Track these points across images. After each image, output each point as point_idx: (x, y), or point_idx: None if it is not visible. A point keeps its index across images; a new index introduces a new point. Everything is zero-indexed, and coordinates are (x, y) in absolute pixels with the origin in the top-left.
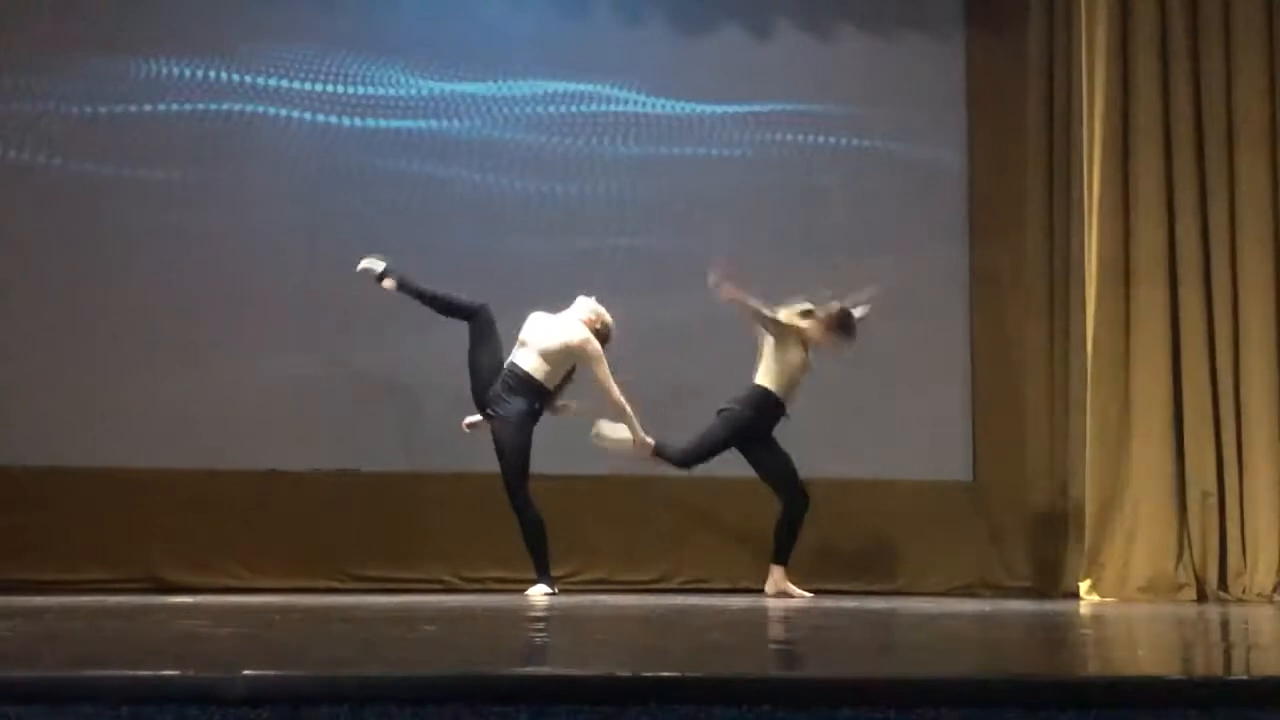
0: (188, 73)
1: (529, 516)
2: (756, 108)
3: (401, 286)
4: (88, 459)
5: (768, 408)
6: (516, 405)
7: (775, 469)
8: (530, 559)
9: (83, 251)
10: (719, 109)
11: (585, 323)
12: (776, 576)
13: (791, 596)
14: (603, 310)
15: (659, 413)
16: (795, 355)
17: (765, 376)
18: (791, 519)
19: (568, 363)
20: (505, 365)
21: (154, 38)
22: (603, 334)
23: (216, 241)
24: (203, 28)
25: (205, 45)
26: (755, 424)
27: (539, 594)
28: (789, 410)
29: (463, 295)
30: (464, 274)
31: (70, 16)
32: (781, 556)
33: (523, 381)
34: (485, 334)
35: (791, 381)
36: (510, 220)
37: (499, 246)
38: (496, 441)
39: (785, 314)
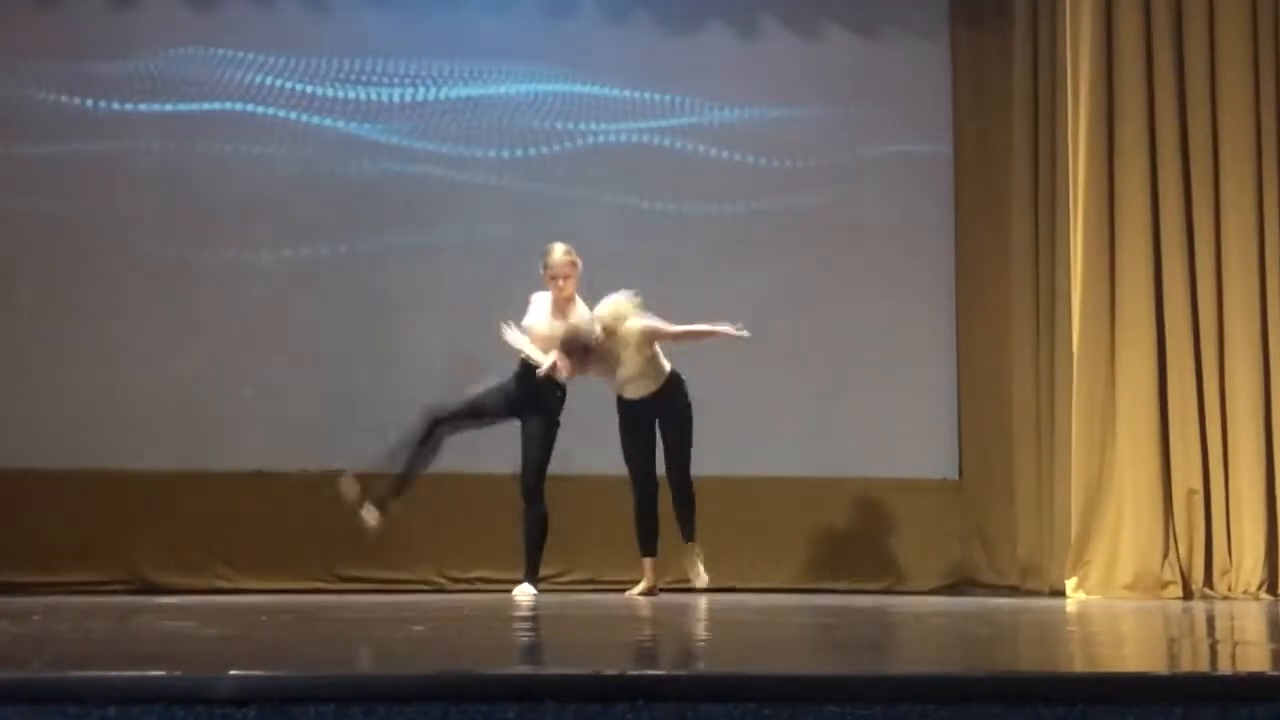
0: (172, 72)
1: (544, 512)
2: (742, 105)
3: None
4: (74, 461)
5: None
6: (554, 398)
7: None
8: (525, 557)
9: (68, 252)
10: (704, 106)
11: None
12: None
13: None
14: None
15: None
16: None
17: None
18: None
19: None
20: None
21: (139, 38)
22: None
23: (203, 241)
24: (189, 28)
25: (193, 47)
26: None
27: (526, 594)
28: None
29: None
30: (446, 271)
31: (50, 19)
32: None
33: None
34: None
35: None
36: (492, 216)
37: (480, 243)
38: (542, 434)
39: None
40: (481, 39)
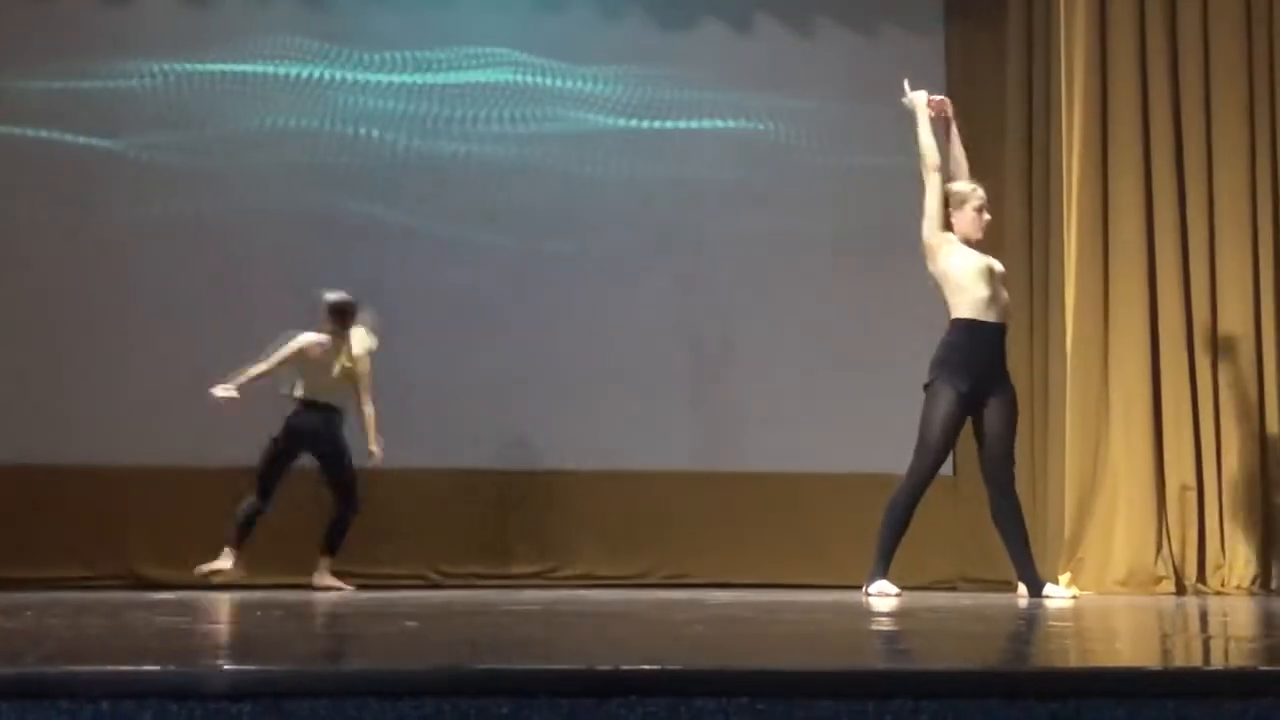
0: (169, 66)
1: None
2: (735, 102)
3: None
4: (68, 456)
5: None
6: None
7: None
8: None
9: (62, 248)
10: (699, 102)
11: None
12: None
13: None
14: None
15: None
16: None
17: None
18: None
19: None
20: None
21: (140, 31)
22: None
23: (199, 236)
24: (186, 20)
25: (186, 38)
26: None
27: (887, 591)
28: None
29: None
30: (446, 263)
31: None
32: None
33: None
34: None
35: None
36: (495, 212)
37: (476, 239)
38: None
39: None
40: (474, 30)
